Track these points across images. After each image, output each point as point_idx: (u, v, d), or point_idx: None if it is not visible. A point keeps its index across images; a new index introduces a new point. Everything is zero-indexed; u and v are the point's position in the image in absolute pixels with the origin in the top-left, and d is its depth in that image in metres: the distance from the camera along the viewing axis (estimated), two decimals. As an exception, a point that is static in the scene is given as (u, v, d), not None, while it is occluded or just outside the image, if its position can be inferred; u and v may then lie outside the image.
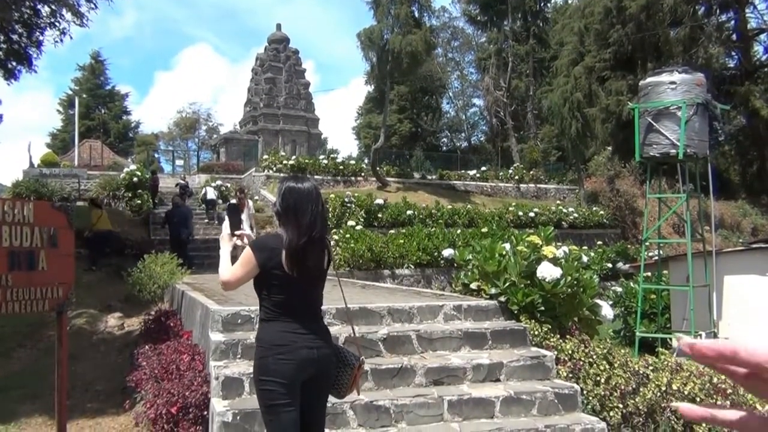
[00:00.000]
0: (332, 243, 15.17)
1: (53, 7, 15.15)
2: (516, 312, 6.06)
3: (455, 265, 10.98)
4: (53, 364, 4.16)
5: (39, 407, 6.35)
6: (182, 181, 22.96)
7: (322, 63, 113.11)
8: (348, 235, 15.82)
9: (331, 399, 3.40)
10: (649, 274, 10.71)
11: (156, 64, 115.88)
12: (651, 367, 5.71)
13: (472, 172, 32.92)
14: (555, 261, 6.12)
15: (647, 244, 10.81)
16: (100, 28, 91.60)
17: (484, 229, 17.15)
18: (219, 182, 24.70)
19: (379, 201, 21.86)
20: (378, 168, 28.24)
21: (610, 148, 29.53)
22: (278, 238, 3.08)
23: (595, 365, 5.47)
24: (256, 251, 3.08)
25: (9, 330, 8.99)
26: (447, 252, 15.01)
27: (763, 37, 30.10)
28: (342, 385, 3.30)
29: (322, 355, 3.08)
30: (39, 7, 15.21)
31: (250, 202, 13.78)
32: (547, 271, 5.94)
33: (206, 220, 19.57)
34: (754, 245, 9.74)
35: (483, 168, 34.47)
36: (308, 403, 3.11)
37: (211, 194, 20.31)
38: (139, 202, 20.13)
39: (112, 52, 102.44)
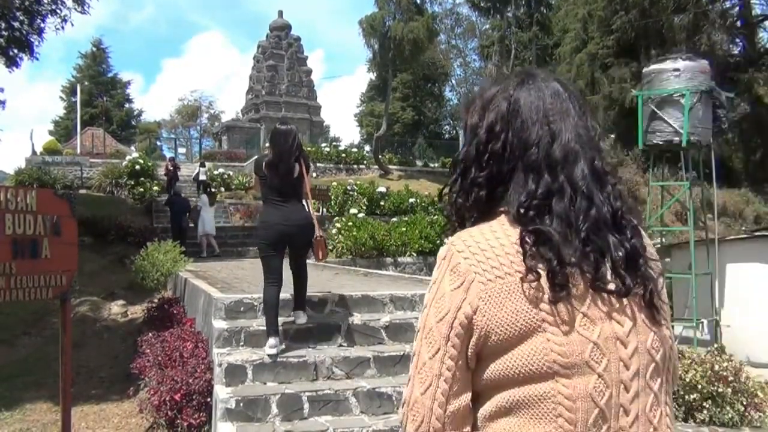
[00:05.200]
0: (335, 229, 15.36)
1: (54, -7, 15.11)
2: (518, 300, 6.05)
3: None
4: (57, 352, 4.18)
5: (43, 394, 6.39)
6: (202, 168, 22.44)
7: (330, 52, 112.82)
8: (350, 223, 15.82)
9: (333, 386, 4.62)
10: (652, 262, 10.70)
11: (164, 52, 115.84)
12: (652, 355, 5.72)
13: (474, 160, 32.90)
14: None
15: (650, 231, 10.80)
16: (109, 16, 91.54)
17: (487, 217, 17.12)
18: (221, 170, 24.71)
19: (382, 189, 21.86)
20: (380, 156, 28.21)
21: (612, 135, 29.38)
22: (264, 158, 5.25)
23: (596, 353, 5.48)
24: (254, 168, 5.39)
25: (14, 318, 9.03)
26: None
27: (767, 23, 29.90)
28: (314, 252, 5.29)
29: (288, 229, 4.97)
30: (40, -7, 15.17)
31: None
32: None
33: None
34: (757, 233, 9.73)
35: (485, 156, 34.37)
36: (293, 252, 5.24)
37: (202, 175, 21.13)
38: (141, 190, 20.14)
39: (120, 39, 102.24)
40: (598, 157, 1.16)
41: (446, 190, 1.25)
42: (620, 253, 1.09)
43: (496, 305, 1.05)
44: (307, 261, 5.40)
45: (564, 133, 1.14)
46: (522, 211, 1.10)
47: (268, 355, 4.75)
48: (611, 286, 1.07)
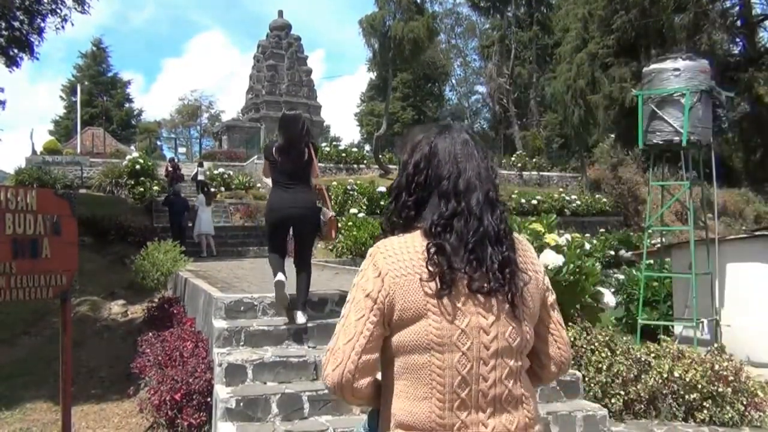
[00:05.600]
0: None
1: (54, -7, 15.11)
2: (518, 299, 6.06)
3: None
4: (57, 351, 4.19)
5: (44, 393, 6.39)
6: (200, 168, 22.37)
7: (331, 51, 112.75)
8: (350, 223, 15.83)
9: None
10: (652, 261, 10.71)
11: (165, 51, 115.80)
12: (653, 355, 5.73)
13: (474, 160, 32.85)
14: (557, 248, 6.12)
15: (650, 231, 10.80)
16: (111, 16, 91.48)
17: (487, 217, 17.11)
18: (221, 170, 24.69)
19: (382, 189, 21.81)
20: (380, 155, 28.21)
21: (613, 135, 29.42)
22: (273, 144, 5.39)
23: (596, 352, 5.48)
24: (264, 153, 5.57)
25: (14, 317, 9.03)
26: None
27: (767, 23, 29.89)
28: (323, 233, 5.39)
29: (296, 212, 5.14)
30: (40, -7, 15.17)
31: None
32: (549, 259, 5.94)
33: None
34: (757, 233, 9.72)
35: (486, 155, 34.33)
36: (299, 237, 5.33)
37: (201, 175, 21.07)
38: (141, 189, 20.12)
39: (121, 39, 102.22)
40: (492, 189, 1.60)
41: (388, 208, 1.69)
42: (494, 262, 1.51)
43: (401, 294, 1.49)
44: (318, 245, 5.67)
45: (467, 171, 1.57)
46: (432, 227, 1.53)
47: (278, 281, 5.03)
48: (482, 287, 1.49)
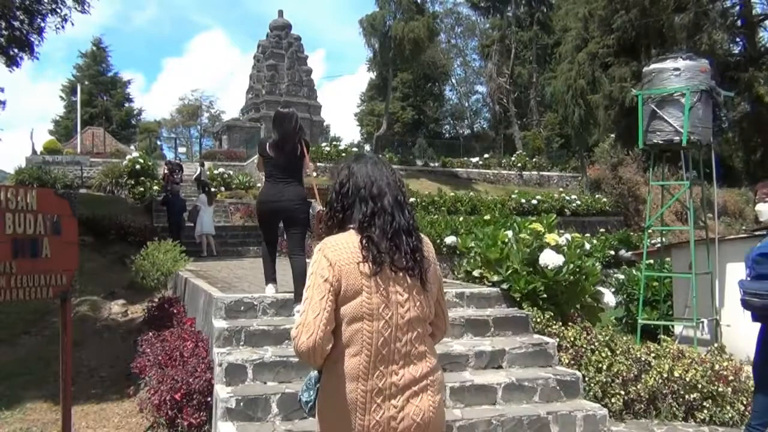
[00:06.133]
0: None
1: (54, -7, 15.09)
2: (518, 299, 6.07)
3: (458, 252, 10.98)
4: (58, 351, 4.18)
5: (44, 393, 6.38)
6: (202, 168, 22.22)
7: (332, 51, 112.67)
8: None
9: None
10: (652, 261, 10.70)
11: (166, 51, 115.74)
12: (653, 354, 5.73)
13: (474, 160, 32.84)
14: (557, 248, 6.12)
15: (650, 231, 10.80)
16: (113, 16, 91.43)
17: (487, 217, 17.08)
18: (222, 169, 24.67)
19: (382, 188, 21.81)
20: (380, 155, 28.17)
21: (613, 135, 29.38)
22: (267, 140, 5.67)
23: (597, 352, 5.48)
24: (259, 149, 5.79)
25: (14, 317, 9.02)
26: (449, 239, 14.98)
27: (767, 23, 29.88)
28: (312, 227, 5.48)
29: (284, 206, 5.40)
30: (40, -7, 15.15)
31: None
32: (549, 259, 5.94)
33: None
34: (757, 232, 9.70)
35: (486, 155, 34.37)
36: (289, 229, 5.54)
37: (203, 176, 20.94)
38: (141, 189, 20.12)
39: (123, 39, 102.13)
40: (400, 194, 2.18)
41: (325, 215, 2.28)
42: (408, 249, 2.10)
43: (345, 277, 2.02)
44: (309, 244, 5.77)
45: (378, 181, 2.16)
46: (360, 225, 2.11)
47: (269, 295, 5.38)
48: (401, 267, 2.08)
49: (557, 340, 5.55)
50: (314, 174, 6.00)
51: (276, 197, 5.44)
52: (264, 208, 5.61)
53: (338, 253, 2.04)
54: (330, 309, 1.99)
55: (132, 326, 8.95)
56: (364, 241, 2.05)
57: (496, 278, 6.33)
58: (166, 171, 19.71)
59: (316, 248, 2.10)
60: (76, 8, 15.47)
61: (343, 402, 2.04)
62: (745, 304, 4.20)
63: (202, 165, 22.52)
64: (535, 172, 31.70)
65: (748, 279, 4.20)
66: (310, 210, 5.49)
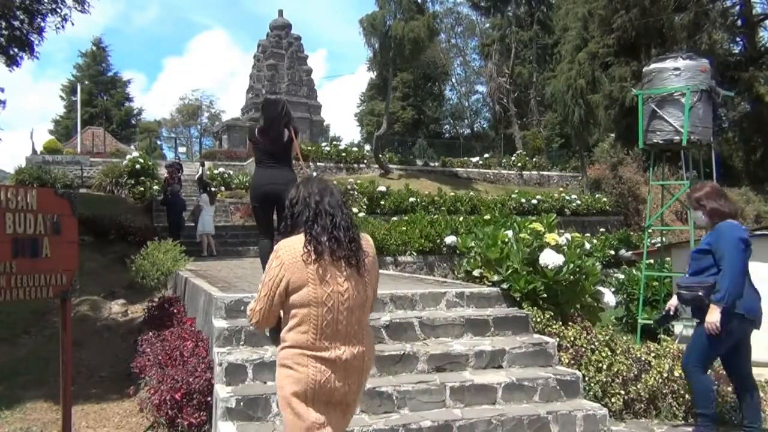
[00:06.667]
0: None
1: (54, -8, 15.08)
2: (518, 299, 6.07)
3: (458, 252, 10.98)
4: (58, 351, 4.18)
5: (44, 393, 6.38)
6: (203, 168, 22.11)
7: (333, 51, 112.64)
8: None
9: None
10: (652, 261, 10.71)
11: (167, 51, 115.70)
12: (653, 354, 5.72)
13: (474, 159, 32.82)
14: (557, 248, 6.11)
15: (650, 231, 10.80)
16: (114, 16, 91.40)
17: (487, 216, 17.13)
18: (222, 169, 24.65)
19: (382, 188, 21.86)
20: (380, 155, 28.19)
21: (613, 134, 29.37)
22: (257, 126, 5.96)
23: (597, 352, 5.48)
24: (248, 134, 6.14)
25: (14, 317, 9.03)
26: (449, 239, 14.99)
27: (767, 22, 29.86)
28: None
29: (275, 189, 5.55)
30: (40, -8, 15.14)
31: None
32: (549, 259, 5.94)
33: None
34: (757, 232, 9.71)
35: (486, 155, 34.36)
36: (279, 215, 5.56)
37: (204, 175, 20.82)
38: (141, 189, 20.11)
39: (124, 39, 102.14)
40: (339, 199, 2.71)
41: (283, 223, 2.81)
42: (346, 242, 2.60)
43: (292, 272, 2.54)
44: None
45: (322, 192, 2.69)
46: (305, 225, 2.62)
47: None
48: (341, 255, 2.58)
49: (557, 339, 5.55)
50: (304, 164, 6.32)
51: (267, 180, 5.70)
52: (257, 192, 5.86)
53: (289, 252, 2.57)
54: (276, 292, 2.57)
55: (132, 326, 8.95)
56: (307, 237, 2.57)
57: (496, 278, 6.33)
58: (166, 175, 19.68)
59: (274, 249, 2.64)
60: (76, 8, 15.46)
61: (296, 365, 2.58)
62: (680, 298, 4.72)
63: (203, 165, 22.50)
64: (535, 172, 31.69)
65: (687, 276, 4.71)
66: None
